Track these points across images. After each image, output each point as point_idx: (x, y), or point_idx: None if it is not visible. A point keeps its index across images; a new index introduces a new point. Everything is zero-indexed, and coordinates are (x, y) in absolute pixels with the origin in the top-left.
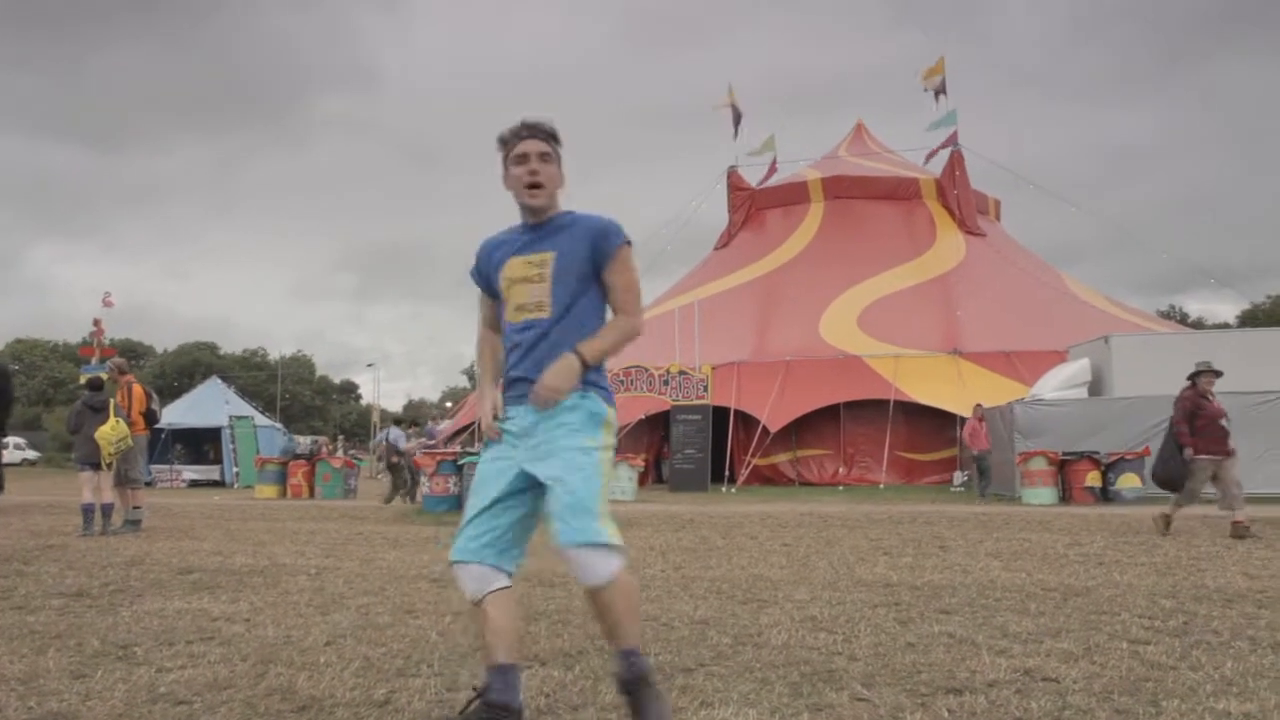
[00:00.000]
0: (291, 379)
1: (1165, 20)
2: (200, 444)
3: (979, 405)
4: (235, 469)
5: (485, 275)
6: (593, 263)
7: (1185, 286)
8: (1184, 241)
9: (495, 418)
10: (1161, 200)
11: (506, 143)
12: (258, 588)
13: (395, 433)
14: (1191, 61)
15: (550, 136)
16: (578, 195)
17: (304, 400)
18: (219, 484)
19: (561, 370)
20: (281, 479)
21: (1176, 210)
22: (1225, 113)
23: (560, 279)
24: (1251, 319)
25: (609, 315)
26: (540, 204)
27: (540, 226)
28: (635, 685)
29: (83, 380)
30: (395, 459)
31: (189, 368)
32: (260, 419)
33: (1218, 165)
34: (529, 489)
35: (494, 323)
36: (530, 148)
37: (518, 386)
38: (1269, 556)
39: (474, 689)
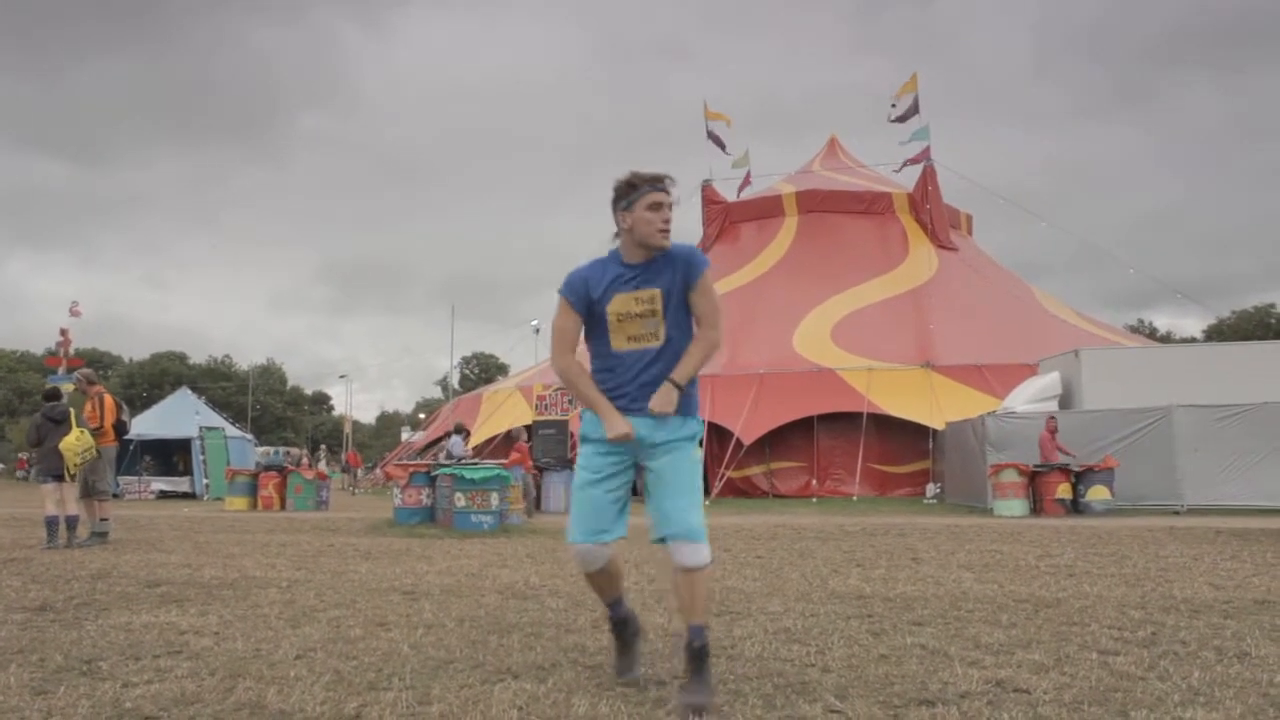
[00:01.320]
0: (262, 390)
1: (1131, 45)
2: (169, 455)
3: (1052, 417)
4: (205, 481)
5: (587, 305)
6: (685, 289)
7: (1153, 301)
8: (1151, 258)
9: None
10: (1129, 217)
11: (636, 189)
12: (227, 601)
13: (455, 440)
14: (1156, 85)
15: (667, 185)
16: (556, 207)
17: (275, 411)
18: (189, 496)
19: (665, 398)
20: (252, 491)
21: (1144, 227)
22: (1190, 133)
23: (670, 313)
24: (1217, 333)
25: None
26: (667, 247)
27: (641, 265)
28: (702, 654)
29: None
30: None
31: (158, 378)
32: (231, 430)
33: (1184, 184)
34: (627, 479)
35: (574, 346)
36: (665, 199)
37: (636, 402)
38: (1234, 567)
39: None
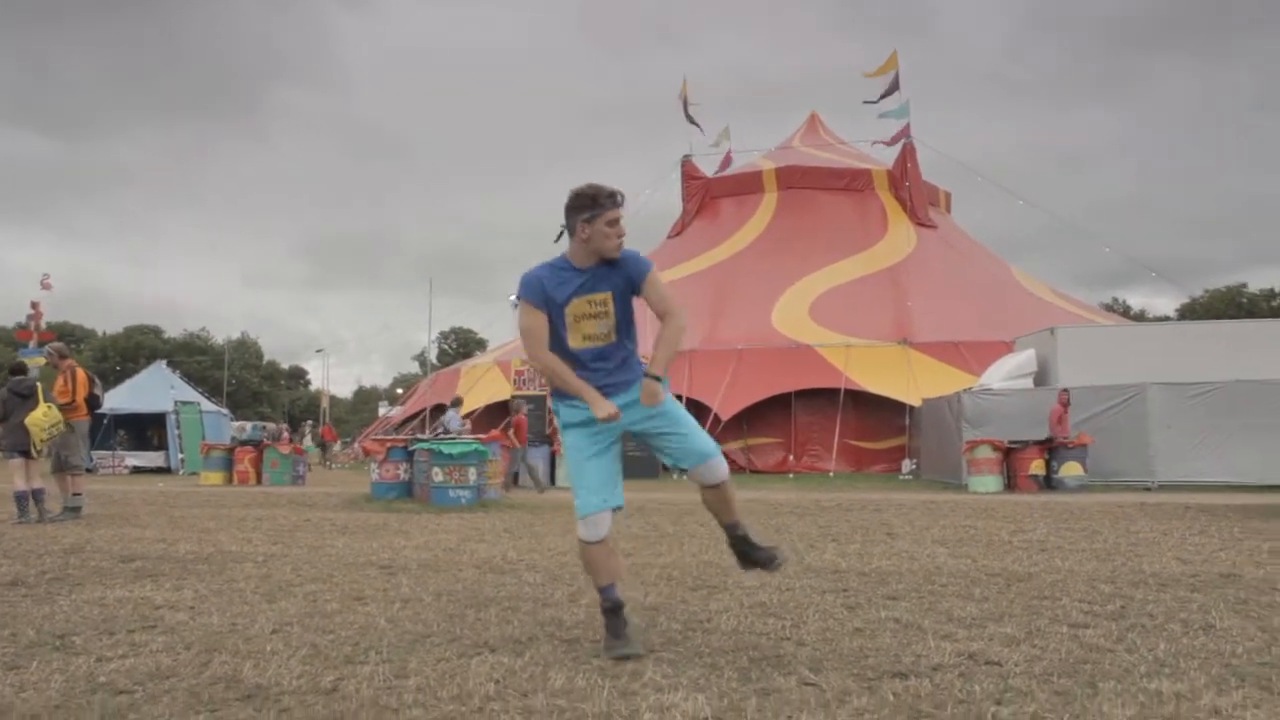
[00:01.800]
0: (238, 364)
1: (1110, 25)
2: (144, 430)
3: (1065, 390)
4: (180, 455)
5: (546, 303)
6: (631, 290)
7: (1127, 280)
8: (1126, 237)
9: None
10: (1105, 197)
11: (600, 205)
12: (203, 575)
13: (450, 414)
14: (1134, 66)
15: (619, 202)
16: (537, 183)
17: (251, 386)
18: (163, 471)
19: (651, 391)
20: (228, 466)
21: (1119, 207)
22: (1166, 116)
23: (620, 313)
24: (1190, 312)
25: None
26: (618, 257)
27: (590, 269)
28: (743, 542)
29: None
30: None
31: (131, 351)
32: (206, 404)
33: (1159, 165)
34: (619, 451)
35: (546, 339)
36: (620, 214)
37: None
38: (1202, 542)
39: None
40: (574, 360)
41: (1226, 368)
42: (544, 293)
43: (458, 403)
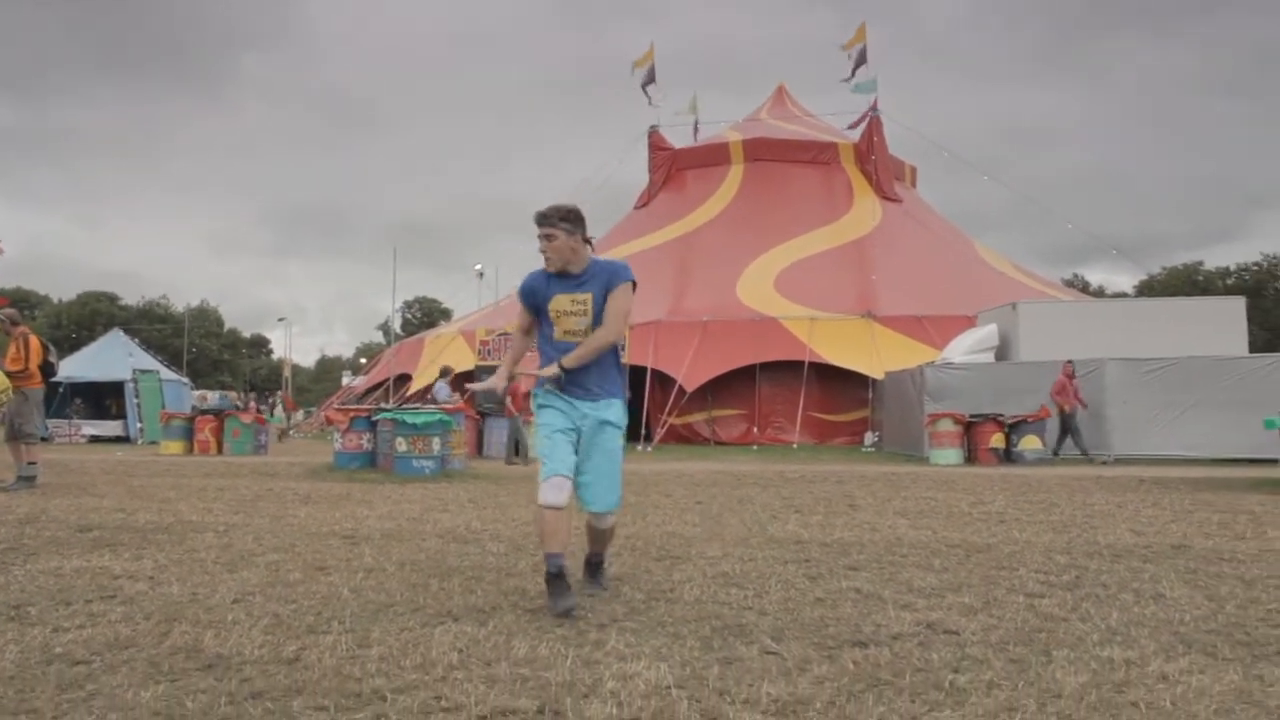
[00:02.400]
0: (198, 332)
1: (1073, 3)
2: (101, 398)
3: (1069, 361)
4: (139, 424)
5: (535, 301)
6: (606, 294)
7: (1087, 257)
8: (1087, 214)
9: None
10: (1066, 175)
11: (537, 225)
12: (162, 545)
13: (439, 385)
14: (1094, 44)
15: (552, 221)
16: (504, 153)
17: (212, 354)
18: (122, 440)
19: (550, 370)
20: (188, 435)
21: (1080, 185)
22: (1125, 94)
23: (597, 313)
24: (1148, 289)
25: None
26: (553, 269)
27: (578, 275)
28: (595, 568)
29: None
30: None
31: (87, 319)
32: (166, 373)
33: (1119, 144)
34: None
35: (527, 329)
36: (543, 232)
37: (571, 384)
38: (1155, 514)
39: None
40: (560, 351)
41: (1182, 344)
42: (536, 290)
43: (446, 373)
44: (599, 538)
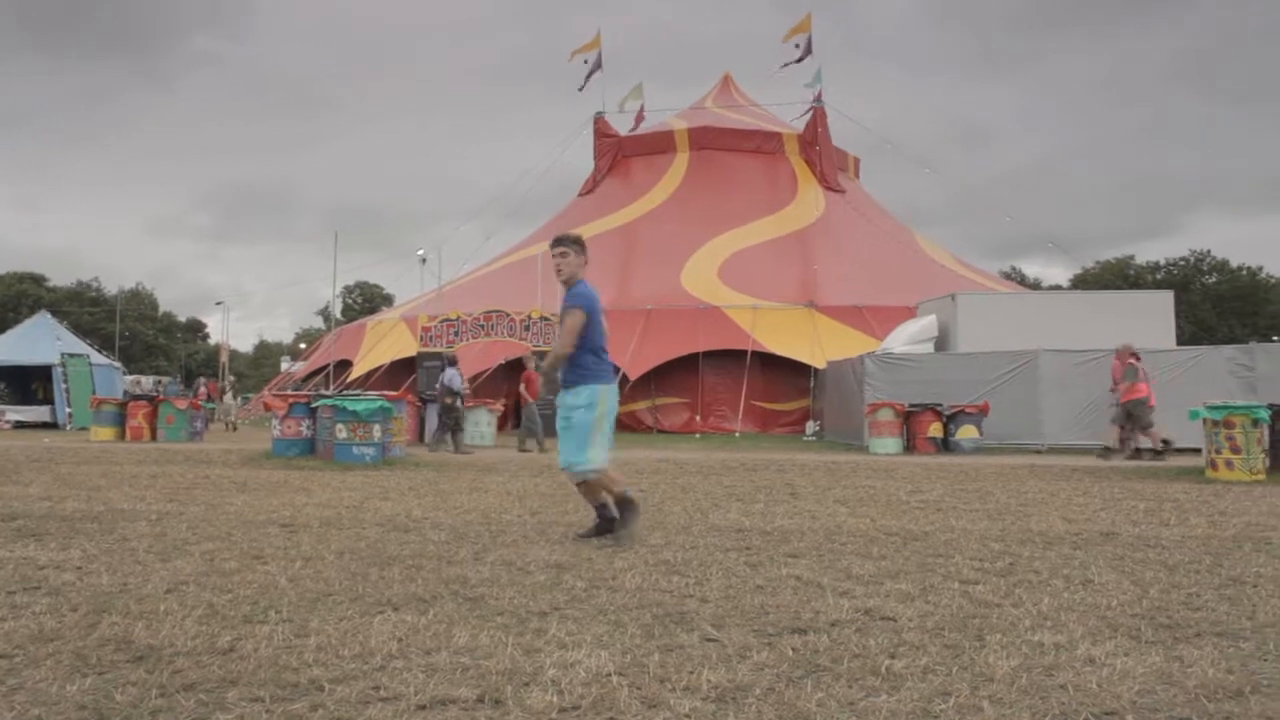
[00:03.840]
0: (131, 316)
1: (1009, 7)
2: (28, 383)
3: (1127, 345)
4: (68, 410)
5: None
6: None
7: (1024, 250)
8: (1023, 209)
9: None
10: (1004, 171)
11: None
12: (91, 534)
13: (452, 373)
14: (1032, 46)
15: (562, 244)
16: (448, 139)
17: (146, 339)
18: (50, 426)
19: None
20: (120, 421)
21: (1018, 181)
22: (1061, 95)
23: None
24: (1082, 283)
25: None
26: (562, 281)
27: (567, 294)
28: (610, 520)
29: None
30: (450, 400)
31: (13, 301)
32: (97, 357)
33: (1055, 141)
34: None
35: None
36: (554, 252)
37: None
38: (1085, 502)
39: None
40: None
41: (1114, 336)
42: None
43: (454, 361)
44: (584, 491)
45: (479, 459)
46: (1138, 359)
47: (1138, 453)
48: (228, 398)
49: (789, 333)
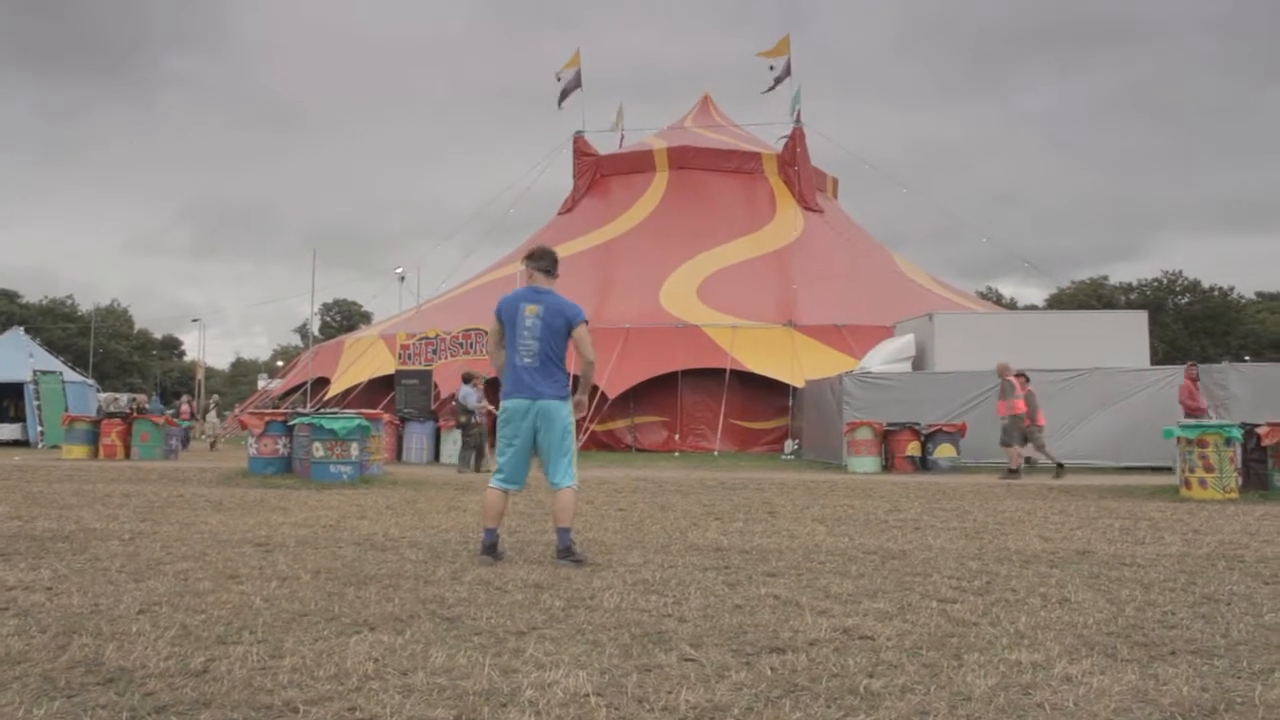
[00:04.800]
0: (106, 333)
1: (983, 31)
2: None
3: (1193, 364)
4: (40, 428)
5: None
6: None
7: (1000, 271)
8: (1000, 231)
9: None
10: (980, 193)
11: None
12: (62, 554)
13: (466, 390)
14: (1006, 71)
15: (533, 259)
16: (426, 159)
17: (120, 356)
18: (21, 444)
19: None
20: (93, 439)
21: (994, 203)
22: (1035, 118)
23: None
24: (1057, 303)
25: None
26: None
27: None
28: (566, 553)
29: None
30: (465, 418)
31: None
32: (70, 374)
33: (1029, 164)
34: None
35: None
36: (524, 269)
37: None
38: (1062, 521)
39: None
40: None
41: (1088, 355)
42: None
43: (470, 378)
44: (557, 507)
45: (455, 479)
46: (1021, 378)
47: (1011, 472)
48: (211, 415)
49: (768, 352)
